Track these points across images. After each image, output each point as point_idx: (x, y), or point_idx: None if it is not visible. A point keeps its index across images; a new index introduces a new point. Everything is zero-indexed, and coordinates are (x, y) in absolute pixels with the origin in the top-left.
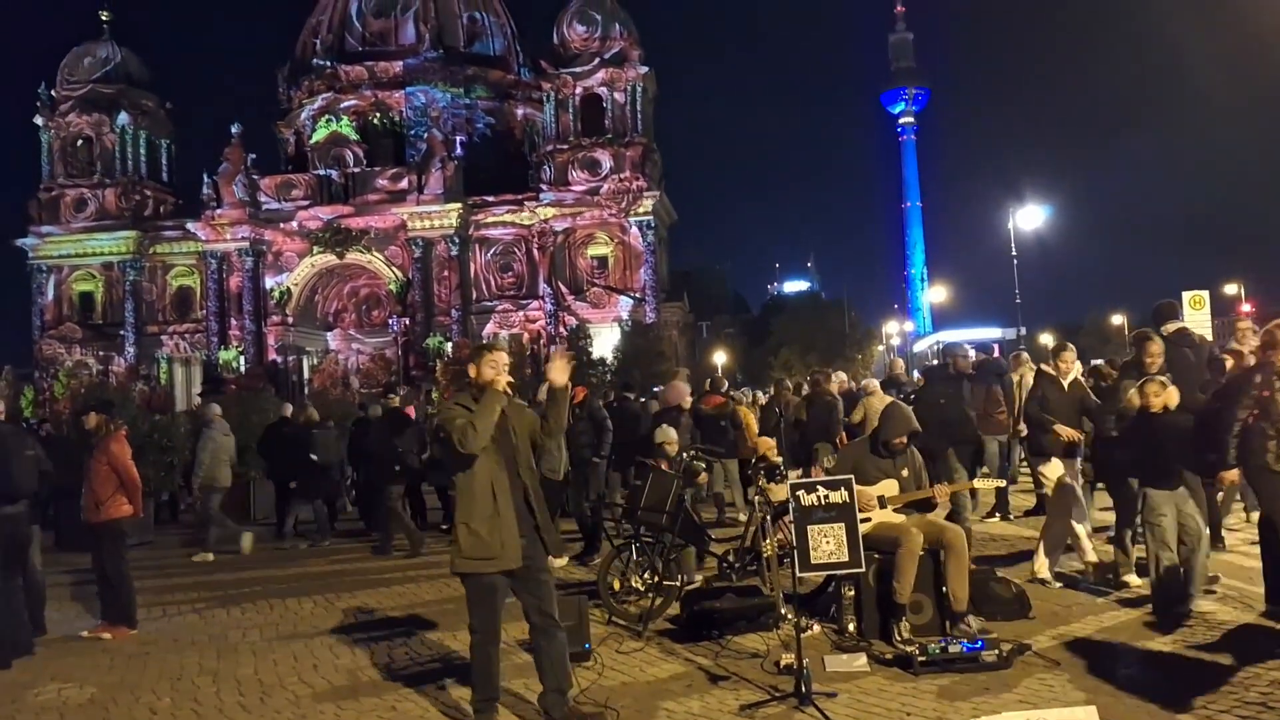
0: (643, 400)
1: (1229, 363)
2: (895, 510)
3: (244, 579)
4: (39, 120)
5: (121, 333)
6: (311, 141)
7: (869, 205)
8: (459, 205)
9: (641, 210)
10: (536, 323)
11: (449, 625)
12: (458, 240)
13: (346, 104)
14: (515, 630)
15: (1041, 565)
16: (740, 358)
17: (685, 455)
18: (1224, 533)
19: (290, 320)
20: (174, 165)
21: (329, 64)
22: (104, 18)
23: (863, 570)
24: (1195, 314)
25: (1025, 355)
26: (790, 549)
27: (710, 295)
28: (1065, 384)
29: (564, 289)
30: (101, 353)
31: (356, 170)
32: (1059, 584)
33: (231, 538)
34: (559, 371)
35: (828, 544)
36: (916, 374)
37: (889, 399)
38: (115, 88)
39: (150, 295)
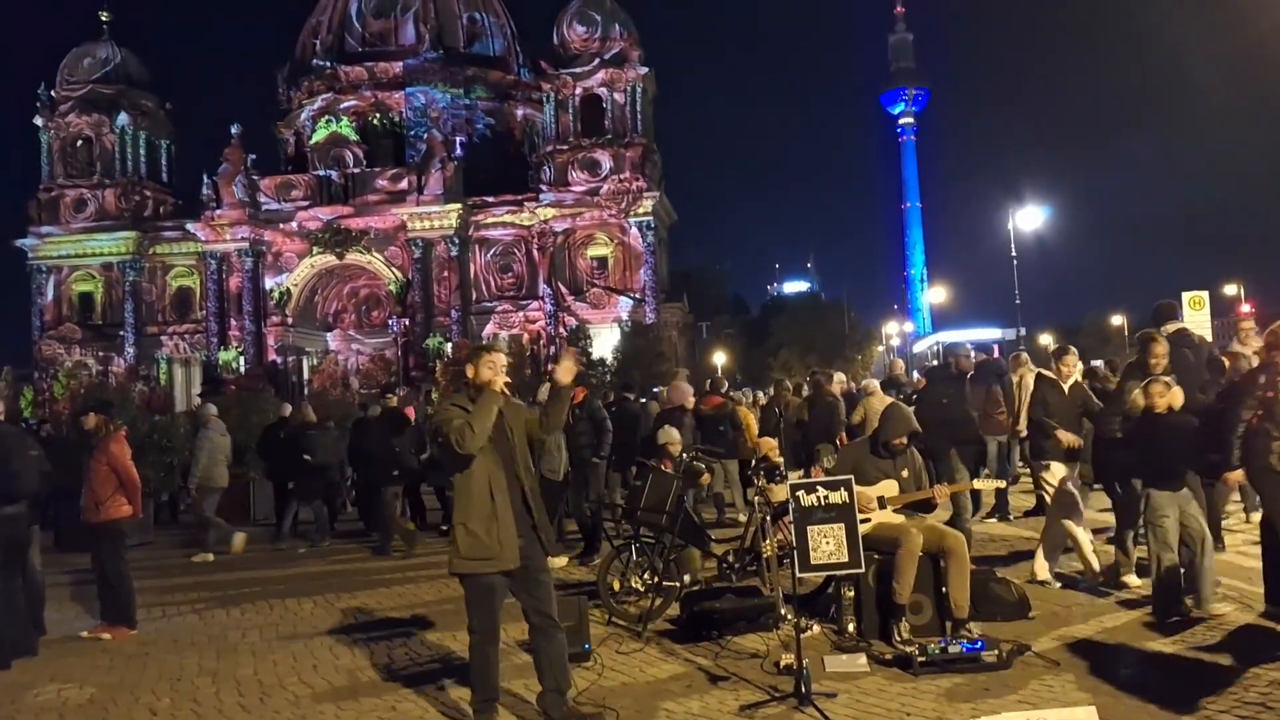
0: (642, 401)
1: (1227, 364)
2: (895, 511)
3: (243, 579)
4: (39, 120)
5: (121, 333)
6: (311, 142)
7: (869, 206)
8: (459, 206)
9: (641, 211)
10: (536, 323)
11: (448, 625)
12: (457, 241)
13: (346, 104)
14: (515, 631)
15: (1041, 566)
16: (740, 358)
17: (684, 456)
18: (1224, 533)
19: (290, 321)
20: (174, 166)
21: (329, 64)
22: (104, 18)
23: (862, 571)
24: (1195, 315)
25: (1025, 356)
26: (790, 549)
27: (710, 296)
28: (1066, 387)
29: (564, 289)
30: (101, 353)
31: (356, 171)
32: (1059, 585)
33: (224, 538)
34: (565, 371)
35: (827, 544)
36: (916, 374)
37: (889, 400)
38: (115, 88)
39: (150, 296)
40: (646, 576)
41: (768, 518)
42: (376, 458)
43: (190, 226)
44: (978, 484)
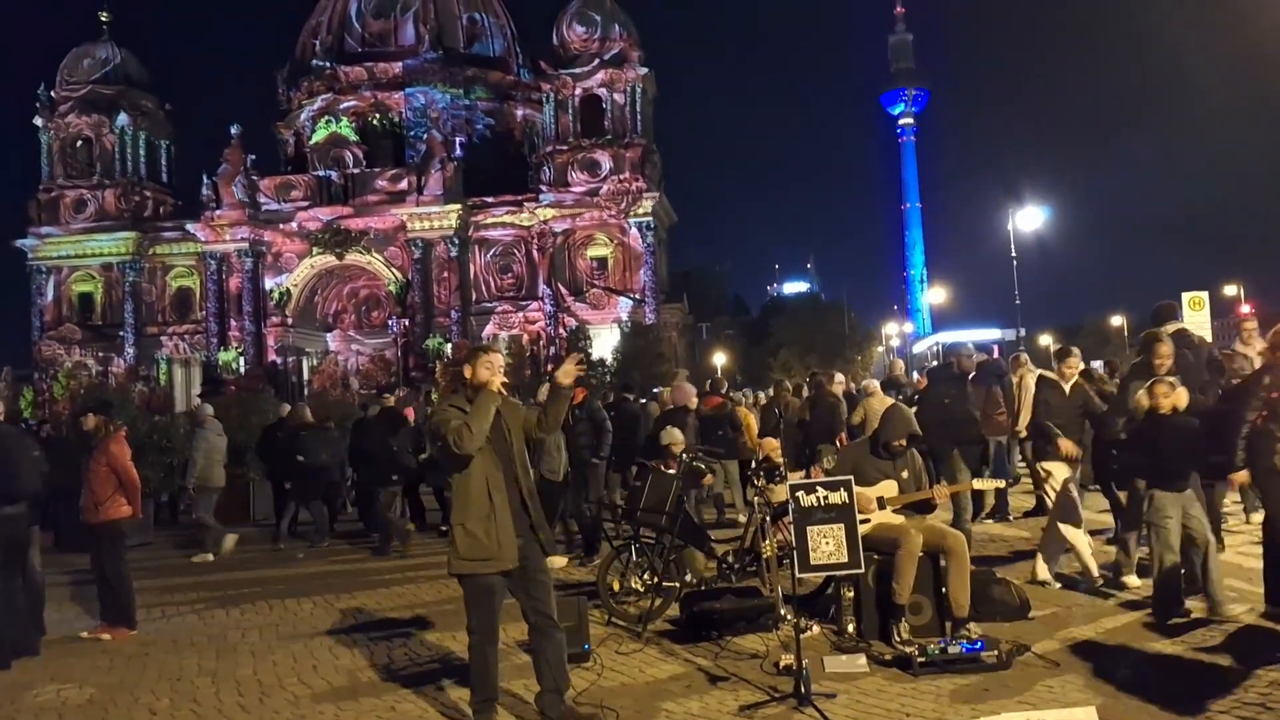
0: (642, 402)
1: (1227, 364)
2: (894, 511)
3: (243, 580)
4: (38, 121)
5: (121, 334)
6: (311, 142)
7: (869, 206)
8: (458, 206)
9: (641, 211)
10: (536, 324)
11: (448, 626)
12: (457, 241)
13: (346, 105)
14: (514, 631)
15: (1042, 567)
16: (740, 359)
17: (685, 457)
18: (1224, 534)
19: (290, 321)
20: (173, 166)
21: (328, 65)
22: (103, 18)
23: (862, 571)
24: (1194, 315)
25: (1025, 357)
26: (790, 550)
27: (710, 296)
28: (1067, 388)
29: (563, 290)
30: (101, 354)
31: (356, 171)
32: (1059, 585)
33: (216, 539)
34: (567, 375)
35: (827, 545)
36: (916, 375)
37: (889, 400)
38: (115, 89)
39: (150, 296)
40: (646, 577)
41: (767, 518)
42: (372, 457)
43: (190, 227)
44: (977, 484)
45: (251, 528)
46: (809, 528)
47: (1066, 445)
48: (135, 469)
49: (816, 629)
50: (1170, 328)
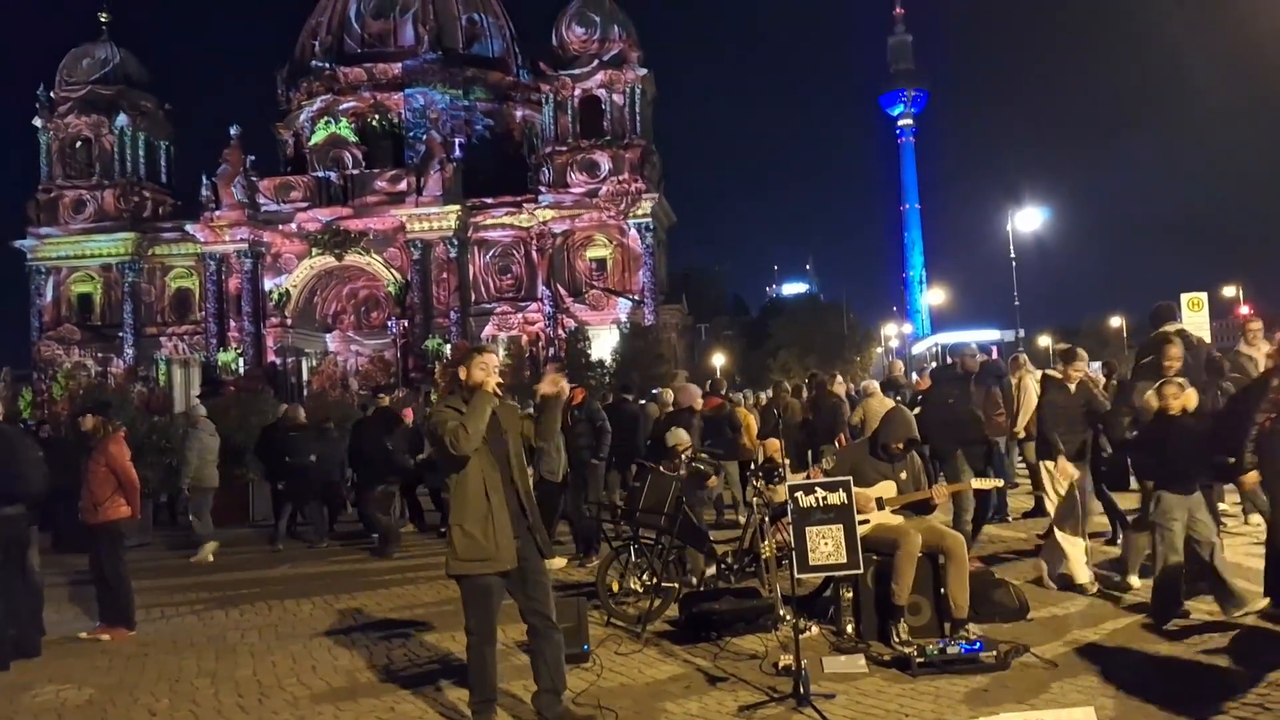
0: (641, 402)
1: (1226, 364)
2: (894, 512)
3: (242, 580)
4: (38, 121)
5: (120, 334)
6: (310, 143)
7: (868, 207)
8: (458, 207)
9: (640, 212)
10: (535, 325)
11: (447, 626)
12: (456, 242)
13: (345, 106)
14: (514, 631)
15: (1042, 568)
16: (739, 360)
17: (685, 457)
18: (1224, 535)
19: (289, 322)
20: (173, 167)
21: (328, 65)
22: (103, 19)
23: (861, 572)
24: (1193, 316)
25: (1024, 358)
26: (788, 550)
27: (709, 297)
28: (1072, 388)
29: (563, 291)
30: (100, 354)
31: (355, 172)
32: (1057, 586)
33: (201, 540)
34: (548, 384)
35: (826, 545)
36: (915, 376)
37: (889, 401)
38: (114, 89)
39: (149, 297)
40: (645, 578)
41: (766, 519)
42: (367, 458)
43: (189, 227)
44: (977, 483)
45: (250, 528)
46: (808, 528)
47: (1065, 467)
48: (134, 469)
49: (815, 630)
50: (1170, 328)
